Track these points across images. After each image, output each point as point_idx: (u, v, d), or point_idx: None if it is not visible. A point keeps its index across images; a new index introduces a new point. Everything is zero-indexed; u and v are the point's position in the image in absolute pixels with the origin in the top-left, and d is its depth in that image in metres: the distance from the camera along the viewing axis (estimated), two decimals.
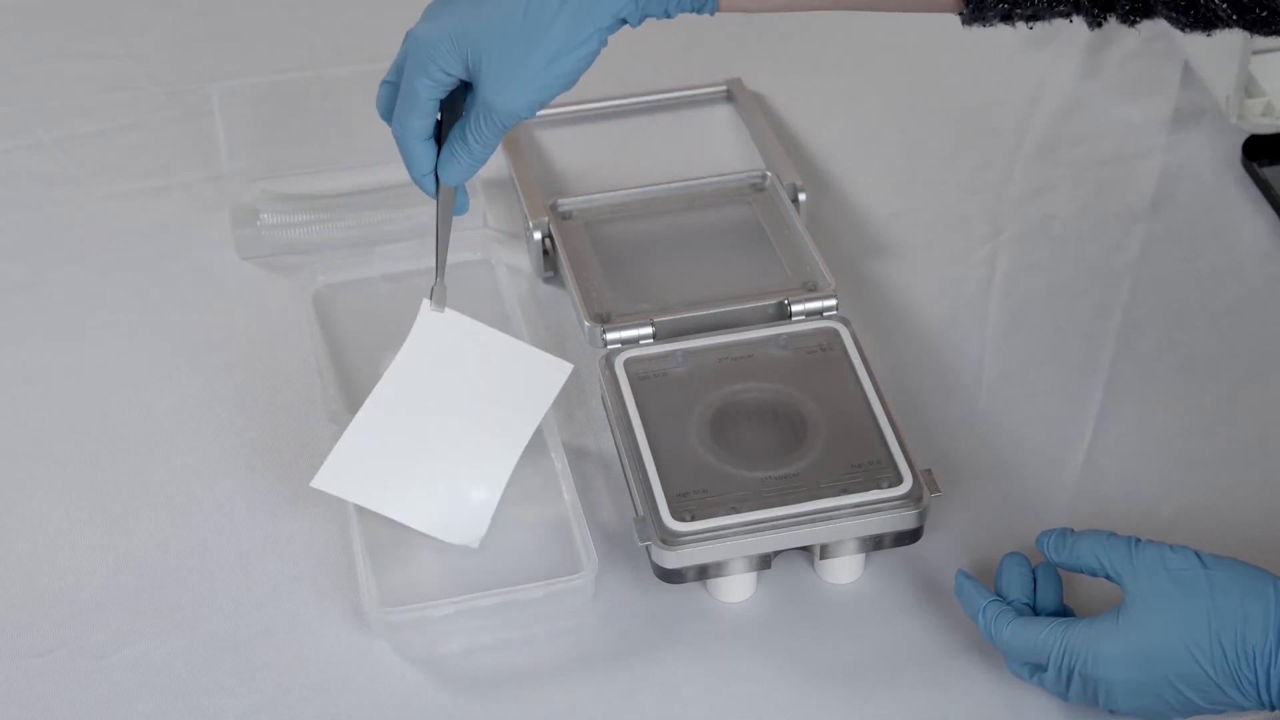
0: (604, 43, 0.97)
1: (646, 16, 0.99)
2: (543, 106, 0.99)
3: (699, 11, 0.99)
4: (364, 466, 1.06)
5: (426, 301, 1.08)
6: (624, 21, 0.98)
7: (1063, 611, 1.00)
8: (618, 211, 1.23)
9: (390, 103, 1.01)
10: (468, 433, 1.07)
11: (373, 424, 1.06)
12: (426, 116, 1.00)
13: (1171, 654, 0.90)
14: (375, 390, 1.07)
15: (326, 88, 1.32)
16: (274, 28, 1.47)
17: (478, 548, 1.06)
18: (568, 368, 1.09)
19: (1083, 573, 0.97)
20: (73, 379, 1.18)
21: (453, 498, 1.07)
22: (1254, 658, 0.89)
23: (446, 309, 1.07)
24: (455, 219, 1.05)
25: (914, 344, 1.20)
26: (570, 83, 0.98)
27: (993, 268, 1.25)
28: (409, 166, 1.02)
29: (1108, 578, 0.95)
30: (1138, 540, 0.95)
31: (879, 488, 1.02)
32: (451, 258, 1.24)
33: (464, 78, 0.98)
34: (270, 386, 1.17)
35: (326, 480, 1.05)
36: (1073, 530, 0.98)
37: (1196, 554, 0.92)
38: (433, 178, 1.02)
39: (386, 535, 1.07)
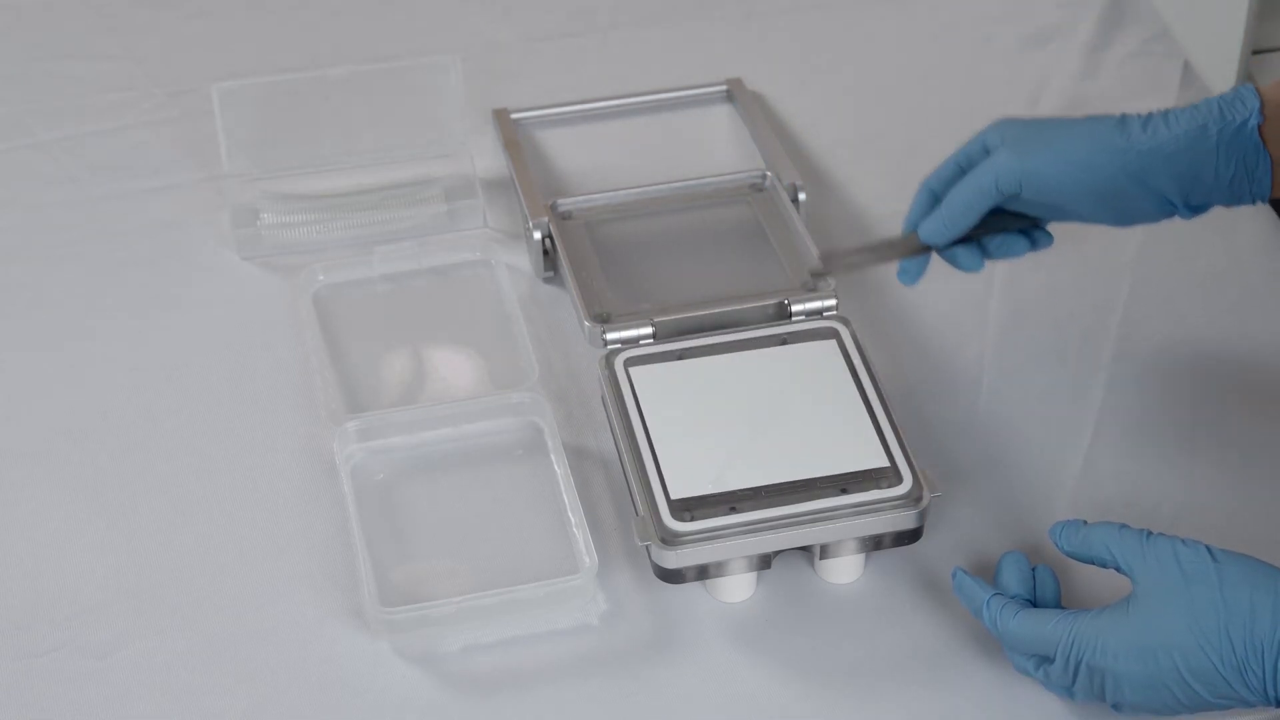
0: (1117, 166, 1.04)
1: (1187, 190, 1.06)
2: (1041, 184, 1.05)
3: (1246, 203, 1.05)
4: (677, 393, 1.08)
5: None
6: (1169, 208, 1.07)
7: None
8: (618, 211, 1.23)
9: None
10: (758, 438, 1.05)
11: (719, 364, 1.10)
12: (944, 173, 1.09)
13: (1180, 646, 0.90)
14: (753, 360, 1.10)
15: (326, 88, 1.32)
16: (274, 28, 1.47)
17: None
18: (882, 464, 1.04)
19: (1093, 563, 0.97)
20: (73, 379, 1.18)
21: (705, 470, 1.04)
22: (1261, 652, 0.89)
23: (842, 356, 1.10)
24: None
25: (914, 344, 1.20)
26: (1075, 170, 1.04)
27: (993, 268, 1.24)
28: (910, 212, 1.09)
29: (1118, 569, 0.95)
30: (1149, 533, 0.95)
31: (879, 488, 1.02)
32: (451, 258, 1.25)
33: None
34: (270, 386, 1.17)
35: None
36: (1085, 521, 0.98)
37: (1208, 548, 0.92)
38: (914, 227, 1.08)
39: (387, 535, 1.07)
